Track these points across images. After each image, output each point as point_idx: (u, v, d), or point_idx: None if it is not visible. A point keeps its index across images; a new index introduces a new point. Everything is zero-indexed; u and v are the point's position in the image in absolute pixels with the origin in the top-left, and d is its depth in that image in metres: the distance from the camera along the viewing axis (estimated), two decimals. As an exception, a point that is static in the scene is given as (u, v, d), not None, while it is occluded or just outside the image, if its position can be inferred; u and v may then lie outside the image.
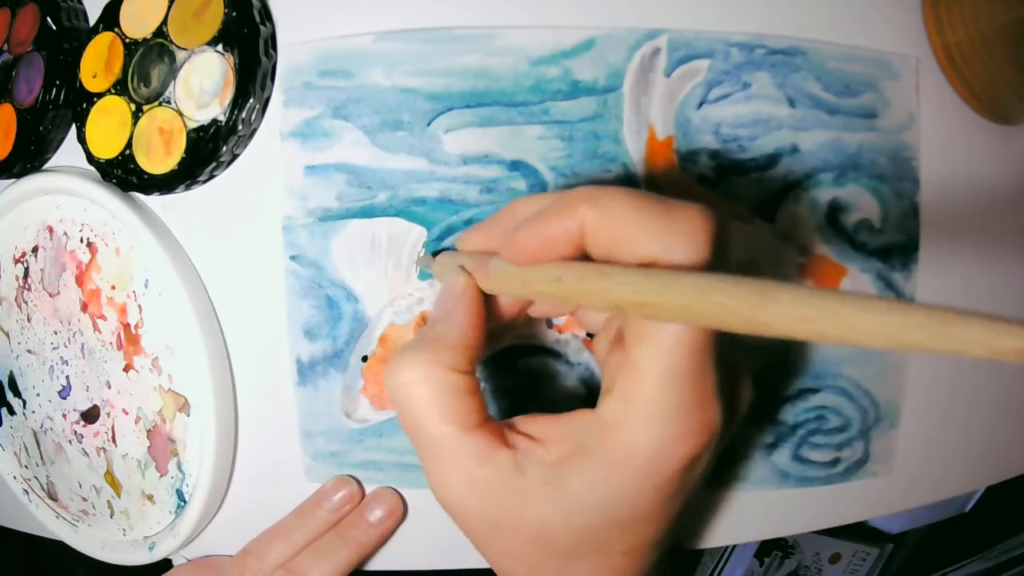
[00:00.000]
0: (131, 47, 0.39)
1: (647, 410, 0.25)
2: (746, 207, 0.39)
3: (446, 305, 0.30)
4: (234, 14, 0.37)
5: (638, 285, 0.23)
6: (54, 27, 0.40)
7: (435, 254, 0.37)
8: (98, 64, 0.39)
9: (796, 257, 0.39)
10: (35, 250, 0.43)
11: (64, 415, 0.44)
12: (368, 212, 0.38)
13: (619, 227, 0.25)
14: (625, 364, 0.25)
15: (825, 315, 0.19)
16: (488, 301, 0.31)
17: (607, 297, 0.24)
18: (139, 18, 0.39)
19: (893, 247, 0.40)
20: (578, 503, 0.26)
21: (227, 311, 0.41)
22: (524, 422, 0.29)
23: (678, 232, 0.24)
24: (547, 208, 0.27)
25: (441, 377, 0.27)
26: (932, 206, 0.40)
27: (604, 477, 0.26)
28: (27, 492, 0.47)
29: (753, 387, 0.30)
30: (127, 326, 0.41)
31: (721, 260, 0.25)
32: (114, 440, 0.43)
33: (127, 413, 0.42)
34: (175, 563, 0.44)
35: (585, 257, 0.26)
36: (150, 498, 0.43)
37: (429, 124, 0.38)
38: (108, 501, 0.44)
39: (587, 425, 0.27)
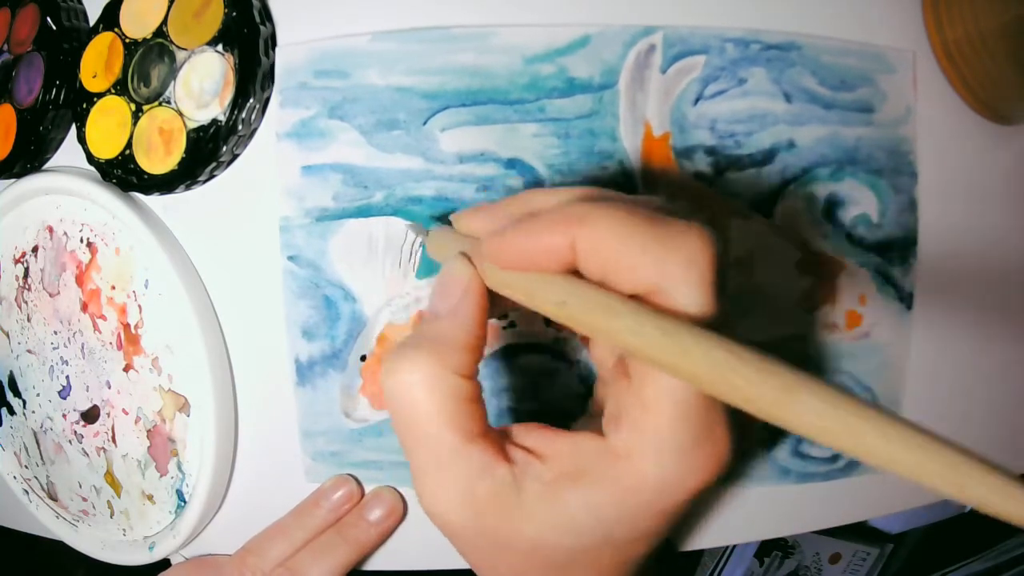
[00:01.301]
0: (131, 47, 0.39)
1: (658, 445, 0.24)
2: (743, 203, 0.39)
3: (450, 298, 0.28)
4: (234, 14, 0.37)
5: (651, 340, 0.22)
6: (54, 27, 0.40)
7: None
8: (98, 64, 0.40)
9: (794, 252, 0.39)
10: (35, 250, 0.43)
11: (64, 415, 0.44)
12: (365, 212, 0.38)
13: (612, 251, 0.23)
14: (633, 395, 0.25)
15: (845, 431, 0.18)
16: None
17: (616, 339, 0.23)
18: (139, 18, 0.39)
19: (891, 241, 0.40)
20: (573, 523, 0.26)
21: (227, 311, 0.41)
22: (523, 434, 0.28)
23: (676, 260, 0.23)
24: (539, 216, 0.25)
25: (447, 381, 0.26)
26: (930, 200, 0.40)
27: (608, 502, 0.25)
28: (27, 492, 0.47)
29: None
30: (127, 326, 0.41)
31: (723, 286, 0.24)
32: (114, 440, 0.43)
33: (127, 413, 0.42)
34: (173, 562, 0.44)
35: (579, 273, 0.25)
36: (150, 498, 0.43)
37: (425, 123, 0.38)
38: (108, 501, 0.44)
39: (593, 450, 0.26)
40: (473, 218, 0.29)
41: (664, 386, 0.24)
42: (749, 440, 0.29)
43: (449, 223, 0.32)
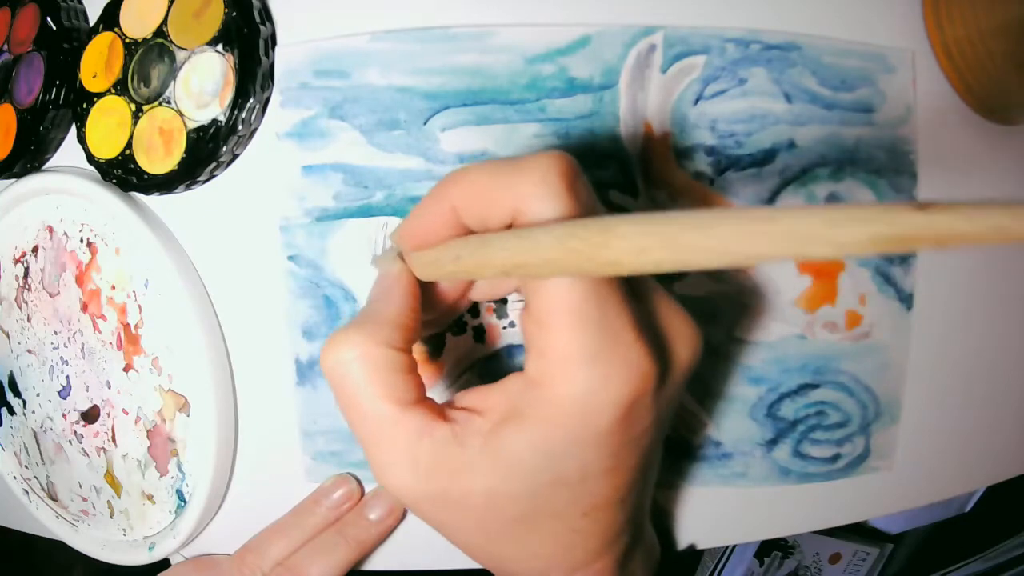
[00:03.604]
0: (131, 47, 0.39)
1: (561, 359, 0.24)
2: (743, 203, 0.39)
3: (382, 287, 0.30)
4: (234, 14, 0.37)
5: (513, 247, 0.23)
6: (54, 27, 0.40)
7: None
8: (98, 64, 0.40)
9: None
10: (35, 250, 0.43)
11: (64, 415, 0.44)
12: (365, 212, 0.38)
13: (480, 195, 0.25)
14: (530, 320, 0.25)
15: (662, 241, 0.19)
16: (428, 289, 0.31)
17: (494, 265, 0.24)
18: (139, 18, 0.39)
19: (891, 242, 0.40)
20: (519, 466, 0.26)
21: (227, 311, 0.41)
22: (462, 396, 0.29)
23: (528, 180, 0.24)
24: (424, 198, 0.28)
25: (377, 354, 0.27)
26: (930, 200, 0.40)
27: (540, 435, 0.26)
28: (27, 492, 0.47)
29: (698, 329, 0.29)
30: (127, 326, 0.41)
31: (590, 204, 0.25)
32: (114, 440, 0.43)
33: (127, 413, 0.42)
34: (173, 562, 0.44)
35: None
36: (150, 498, 0.43)
37: (425, 123, 0.38)
38: (108, 501, 0.44)
39: (517, 387, 0.26)
40: (399, 228, 0.31)
41: (552, 299, 0.24)
42: (681, 359, 0.28)
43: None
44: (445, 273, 0.28)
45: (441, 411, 0.28)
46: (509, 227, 0.25)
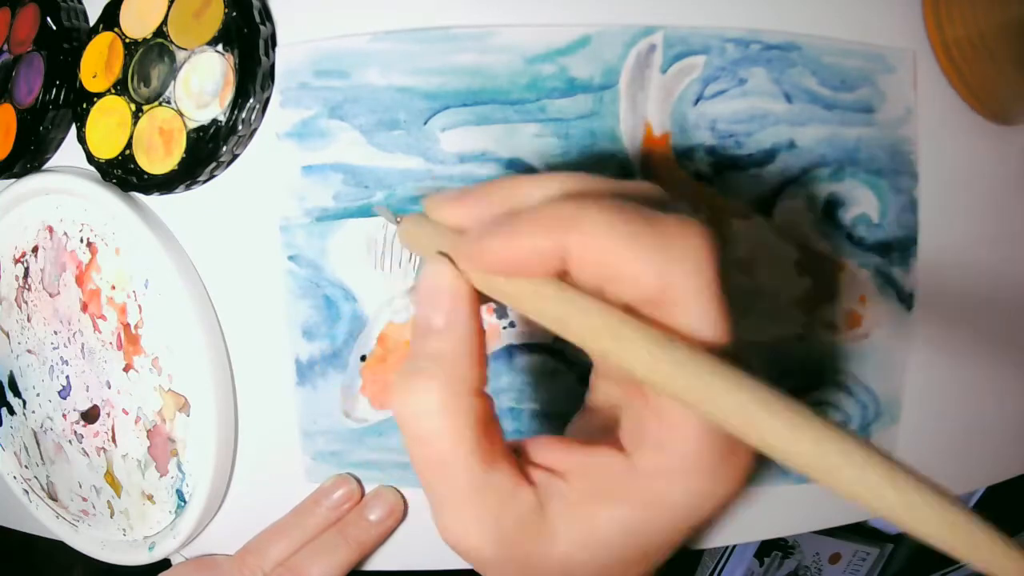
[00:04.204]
0: (131, 47, 0.39)
1: (686, 465, 0.23)
2: (743, 203, 0.39)
3: (439, 308, 0.25)
4: (234, 14, 0.37)
5: (667, 375, 0.21)
6: (54, 27, 0.40)
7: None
8: (98, 64, 0.40)
9: (793, 252, 0.39)
10: (35, 250, 0.43)
11: (64, 415, 0.44)
12: (365, 211, 0.38)
13: (609, 259, 0.22)
14: (653, 414, 0.24)
15: (871, 493, 0.18)
16: None
17: (625, 368, 0.21)
18: (139, 18, 0.39)
19: (891, 242, 0.40)
20: (605, 543, 0.25)
21: (227, 311, 0.41)
22: (539, 451, 0.26)
23: (680, 269, 0.21)
24: (523, 219, 0.23)
25: (462, 404, 0.24)
26: (930, 200, 0.40)
27: (639, 519, 0.25)
28: (27, 492, 0.47)
29: None
30: (127, 326, 0.41)
31: (728, 297, 0.23)
32: (114, 440, 0.43)
33: (127, 413, 0.42)
34: (174, 563, 0.44)
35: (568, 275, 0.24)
36: (150, 498, 0.43)
37: (425, 123, 0.38)
38: (108, 501, 0.44)
39: (615, 467, 0.25)
40: (449, 208, 0.26)
41: (687, 409, 0.23)
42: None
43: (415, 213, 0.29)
44: (524, 311, 0.24)
45: (522, 469, 0.26)
46: (626, 306, 0.22)
